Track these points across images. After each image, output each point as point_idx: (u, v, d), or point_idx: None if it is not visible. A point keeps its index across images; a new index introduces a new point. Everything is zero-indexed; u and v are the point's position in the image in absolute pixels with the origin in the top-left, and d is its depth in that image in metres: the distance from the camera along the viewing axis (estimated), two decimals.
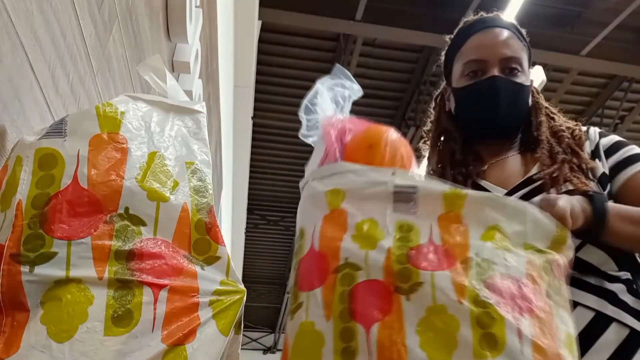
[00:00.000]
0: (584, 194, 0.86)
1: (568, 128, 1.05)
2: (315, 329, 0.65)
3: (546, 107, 1.10)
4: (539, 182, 0.97)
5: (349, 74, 0.84)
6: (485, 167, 1.06)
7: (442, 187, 0.72)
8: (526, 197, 0.93)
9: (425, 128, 1.20)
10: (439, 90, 1.18)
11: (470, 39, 1.07)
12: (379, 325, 0.62)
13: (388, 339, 0.61)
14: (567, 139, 1.02)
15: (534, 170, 1.00)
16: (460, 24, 1.13)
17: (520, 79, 1.04)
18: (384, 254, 0.66)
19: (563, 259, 0.70)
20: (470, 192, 0.72)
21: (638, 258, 0.94)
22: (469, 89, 1.05)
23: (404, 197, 0.71)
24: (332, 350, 0.63)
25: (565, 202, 0.77)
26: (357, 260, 0.66)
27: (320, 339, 0.64)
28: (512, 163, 1.05)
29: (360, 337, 0.62)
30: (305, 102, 0.85)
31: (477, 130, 1.09)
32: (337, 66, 0.85)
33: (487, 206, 0.70)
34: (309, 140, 0.83)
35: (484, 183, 1.02)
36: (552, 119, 1.08)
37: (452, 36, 1.13)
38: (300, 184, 0.79)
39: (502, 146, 1.07)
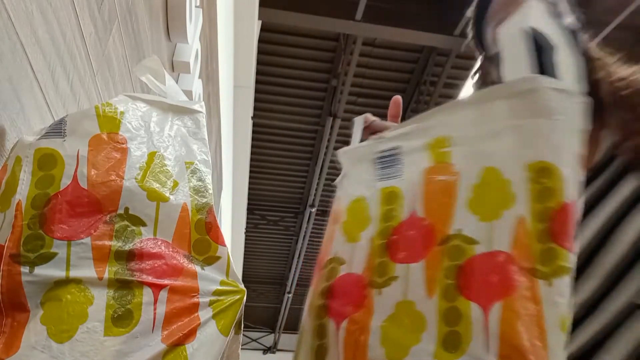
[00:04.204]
0: None
1: (626, 77, 0.83)
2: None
3: (598, 59, 0.87)
4: (617, 162, 0.77)
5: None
6: None
7: (426, 138, 0.63)
8: (607, 187, 0.76)
9: None
10: (474, 69, 1.00)
11: None
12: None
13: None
14: (626, 94, 0.80)
15: (606, 143, 0.79)
16: None
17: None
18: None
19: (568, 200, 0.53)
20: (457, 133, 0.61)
21: None
22: None
23: (388, 160, 0.65)
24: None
25: None
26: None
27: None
28: None
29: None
30: None
31: None
32: None
33: (473, 128, 0.59)
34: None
35: None
36: (609, 73, 0.84)
37: (475, 2, 0.96)
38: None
39: None
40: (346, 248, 0.65)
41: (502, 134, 0.58)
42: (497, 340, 0.50)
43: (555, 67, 0.62)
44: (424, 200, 0.60)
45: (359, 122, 0.81)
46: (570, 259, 0.52)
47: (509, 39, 0.65)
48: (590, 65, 0.84)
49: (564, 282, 0.51)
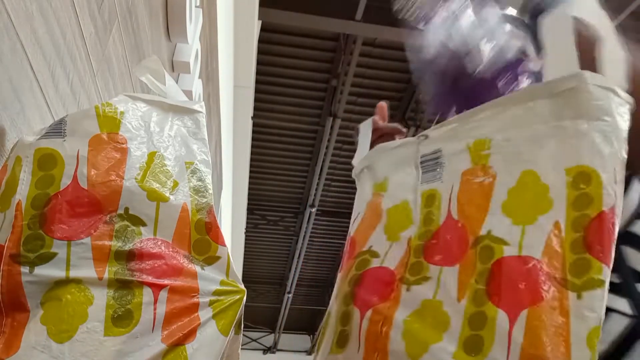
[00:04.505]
0: None
1: None
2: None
3: None
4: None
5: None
6: None
7: (467, 140, 0.61)
8: None
9: None
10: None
11: None
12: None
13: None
14: None
15: None
16: None
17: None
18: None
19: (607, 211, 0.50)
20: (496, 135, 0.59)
21: None
22: None
23: (430, 165, 0.65)
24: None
25: None
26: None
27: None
28: None
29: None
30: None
31: None
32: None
33: (513, 130, 0.57)
34: None
35: None
36: None
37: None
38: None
39: None
40: (383, 244, 0.65)
41: (543, 136, 0.56)
42: (519, 348, 0.48)
43: (599, 61, 0.58)
44: (458, 202, 0.59)
45: (367, 126, 0.82)
46: (605, 272, 0.50)
47: (550, 31, 0.62)
48: None
49: (596, 296, 0.49)
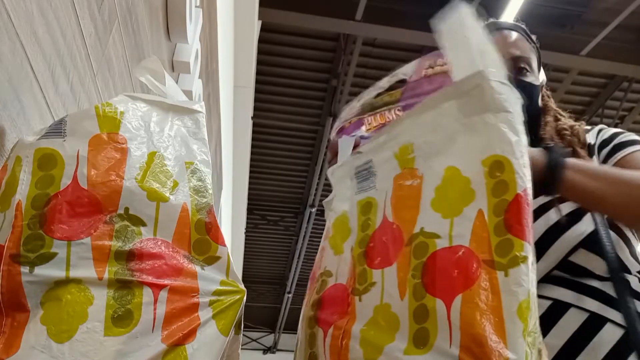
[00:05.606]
0: (544, 147, 0.83)
1: (571, 127, 1.04)
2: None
3: (555, 109, 1.09)
4: None
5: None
6: None
7: (393, 148, 0.66)
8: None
9: None
10: None
11: None
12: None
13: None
14: (568, 137, 1.01)
15: None
16: None
17: (529, 79, 1.03)
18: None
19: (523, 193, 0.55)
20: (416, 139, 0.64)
21: (625, 261, 0.93)
22: None
23: (364, 174, 0.69)
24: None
25: None
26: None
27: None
28: None
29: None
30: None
31: None
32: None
33: (428, 136, 0.62)
34: None
35: None
36: (559, 120, 1.07)
37: None
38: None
39: None
40: (333, 261, 0.69)
41: (457, 133, 0.61)
42: (459, 332, 0.51)
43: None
44: (393, 206, 0.63)
45: (347, 142, 0.84)
46: (526, 248, 0.53)
47: (448, 34, 0.67)
48: (544, 110, 1.06)
49: (521, 271, 0.52)
